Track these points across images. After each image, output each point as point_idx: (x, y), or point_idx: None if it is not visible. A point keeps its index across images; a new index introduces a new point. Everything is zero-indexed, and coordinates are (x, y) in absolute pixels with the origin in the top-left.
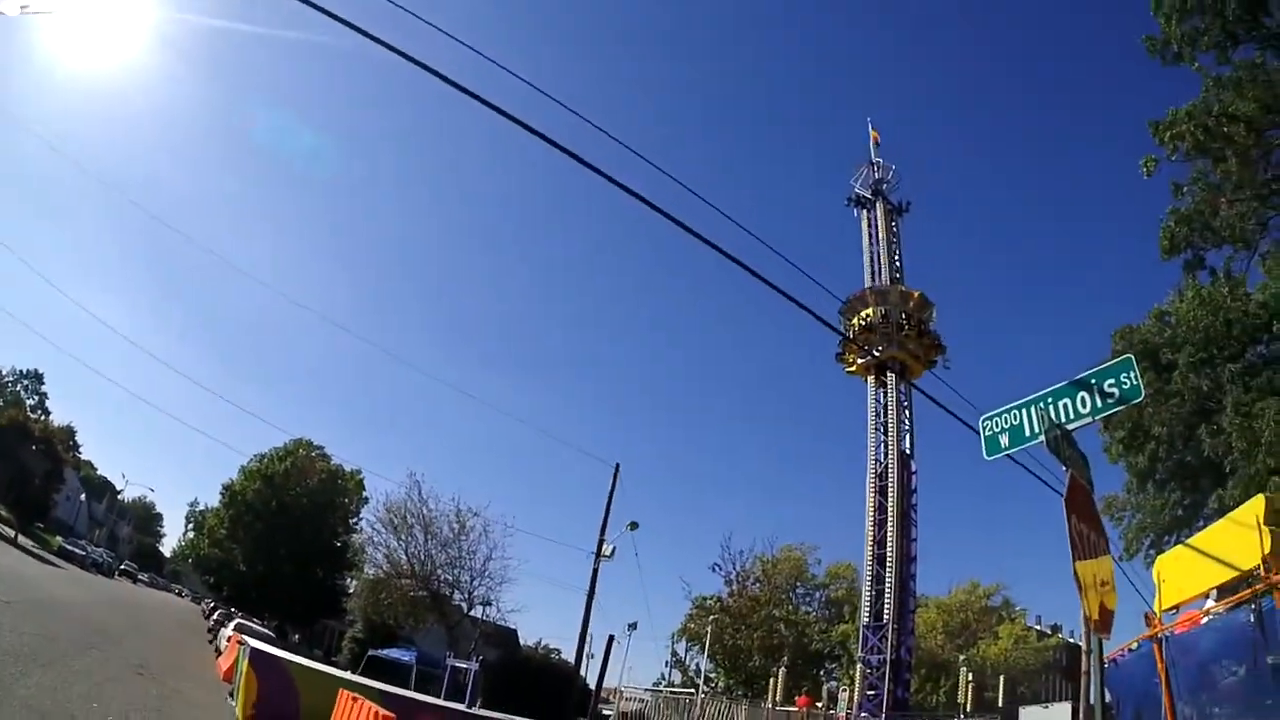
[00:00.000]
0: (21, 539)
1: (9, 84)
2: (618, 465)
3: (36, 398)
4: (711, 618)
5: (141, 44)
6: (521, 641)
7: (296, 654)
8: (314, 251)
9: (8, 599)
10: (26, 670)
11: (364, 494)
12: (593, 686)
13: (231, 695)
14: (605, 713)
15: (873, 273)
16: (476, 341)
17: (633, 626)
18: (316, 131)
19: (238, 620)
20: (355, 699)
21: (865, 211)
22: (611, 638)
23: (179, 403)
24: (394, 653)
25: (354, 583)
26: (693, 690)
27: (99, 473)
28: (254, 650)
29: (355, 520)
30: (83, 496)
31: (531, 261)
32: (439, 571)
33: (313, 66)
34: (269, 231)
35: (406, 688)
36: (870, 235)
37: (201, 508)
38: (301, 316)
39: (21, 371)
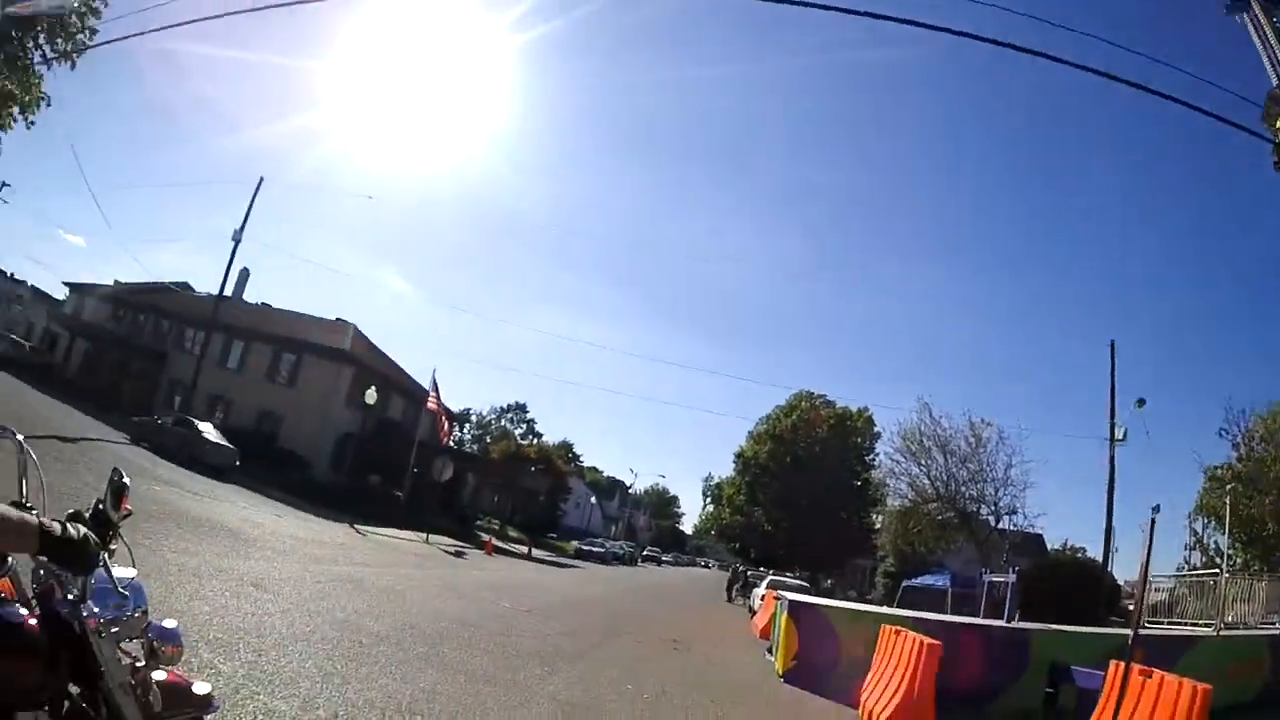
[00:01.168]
0: (535, 552)
1: None
2: (1112, 344)
3: (524, 425)
4: (1228, 486)
5: None
6: (1048, 546)
7: (830, 599)
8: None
9: (528, 608)
10: (553, 668)
11: (875, 429)
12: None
13: (770, 651)
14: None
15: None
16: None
17: (1156, 509)
18: None
19: (769, 577)
20: (898, 631)
21: (1244, 14)
22: (1153, 521)
23: (667, 388)
24: (927, 579)
25: (879, 518)
26: (1215, 571)
27: (605, 474)
28: (790, 603)
29: (871, 456)
30: (592, 499)
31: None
32: (962, 489)
33: None
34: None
35: (944, 612)
36: (1259, 35)
37: (715, 481)
38: (757, 275)
39: (504, 407)
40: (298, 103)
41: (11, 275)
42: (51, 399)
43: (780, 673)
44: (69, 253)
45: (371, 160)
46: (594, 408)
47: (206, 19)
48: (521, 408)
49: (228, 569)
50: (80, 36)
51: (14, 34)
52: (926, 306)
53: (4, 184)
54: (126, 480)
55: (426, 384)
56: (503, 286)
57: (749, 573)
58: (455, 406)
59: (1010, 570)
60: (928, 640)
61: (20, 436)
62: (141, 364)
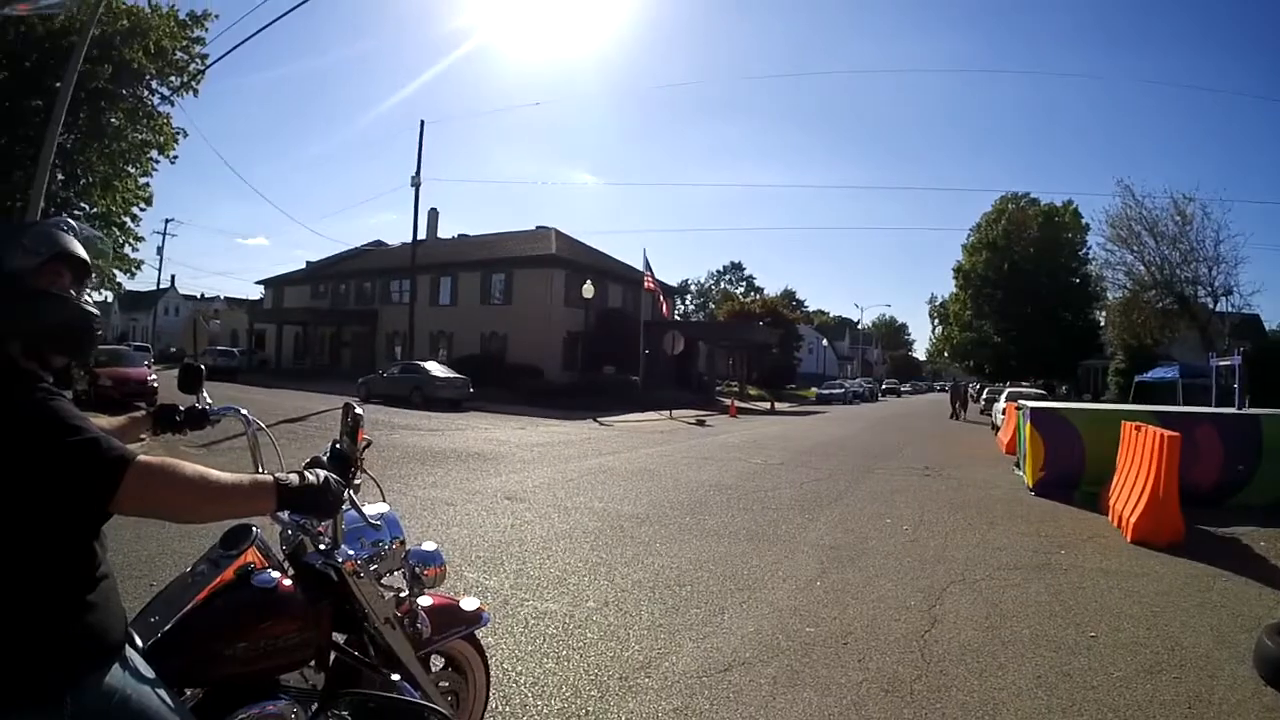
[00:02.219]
0: (778, 405)
1: None
2: None
3: (743, 284)
4: None
5: None
6: (1265, 326)
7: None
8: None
9: (779, 461)
10: (813, 515)
11: (1082, 222)
12: None
13: (1018, 465)
14: None
15: None
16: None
17: None
18: None
19: (1007, 390)
20: (1137, 428)
21: None
22: None
23: (874, 216)
24: (1157, 373)
25: (1102, 314)
26: None
27: (832, 314)
28: (1032, 411)
29: (1084, 250)
30: (824, 342)
31: None
32: (1177, 272)
33: None
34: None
35: (1175, 404)
36: None
37: (939, 301)
38: (936, 86)
39: (720, 270)
40: (446, 38)
41: (201, 295)
42: (274, 388)
43: (1030, 485)
44: (256, 254)
45: (530, 70)
46: (808, 251)
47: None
48: (738, 267)
49: (480, 489)
50: (193, 66)
51: (124, 92)
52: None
53: (169, 220)
54: (360, 410)
55: (639, 267)
56: (688, 153)
57: (969, 386)
58: (672, 280)
59: (1235, 354)
60: (1167, 433)
61: (244, 412)
62: (354, 329)
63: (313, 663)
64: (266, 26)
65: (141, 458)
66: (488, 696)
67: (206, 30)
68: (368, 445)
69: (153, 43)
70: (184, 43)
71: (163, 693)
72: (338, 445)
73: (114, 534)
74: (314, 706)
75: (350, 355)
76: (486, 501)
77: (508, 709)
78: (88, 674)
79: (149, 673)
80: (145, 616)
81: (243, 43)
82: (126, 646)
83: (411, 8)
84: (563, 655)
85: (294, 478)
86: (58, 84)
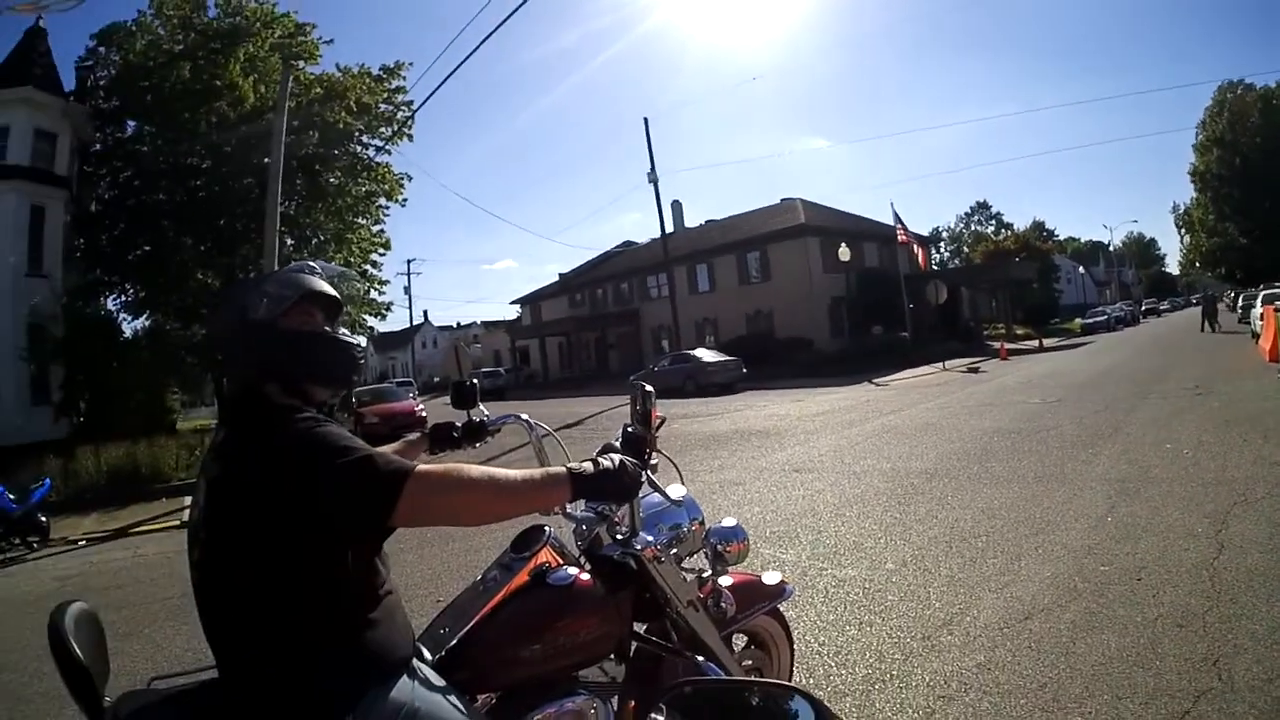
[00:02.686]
0: (1045, 342)
1: None
2: None
3: (992, 222)
4: None
5: None
6: None
7: None
8: None
9: (1055, 398)
10: (1095, 449)
11: None
12: None
13: None
14: None
15: None
16: None
17: None
18: None
19: (1261, 293)
20: None
21: None
22: None
23: (1101, 129)
24: None
25: None
26: None
27: (1083, 239)
28: None
29: None
30: (1080, 270)
31: None
32: None
33: None
34: None
35: None
36: None
37: (1182, 208)
38: None
39: (967, 211)
40: (649, 34)
41: (456, 324)
42: (545, 400)
43: None
44: (503, 277)
45: (744, 47)
46: (1049, 178)
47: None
48: (984, 206)
49: (766, 466)
50: (400, 114)
51: (335, 151)
52: None
53: (410, 260)
54: (649, 388)
55: (889, 222)
56: (918, 100)
57: (1218, 296)
58: (923, 229)
59: None
60: None
61: (525, 417)
62: (617, 330)
63: (613, 655)
64: (464, 61)
65: (421, 467)
66: (791, 670)
67: (404, 79)
68: (662, 423)
69: (353, 101)
70: (384, 95)
71: (454, 700)
72: (629, 428)
73: (397, 554)
74: (614, 699)
75: (617, 356)
76: (775, 476)
77: (812, 680)
78: (370, 692)
79: (439, 683)
80: (435, 628)
81: (441, 84)
82: (415, 660)
83: (603, 13)
84: (864, 620)
85: (588, 465)
86: (266, 159)
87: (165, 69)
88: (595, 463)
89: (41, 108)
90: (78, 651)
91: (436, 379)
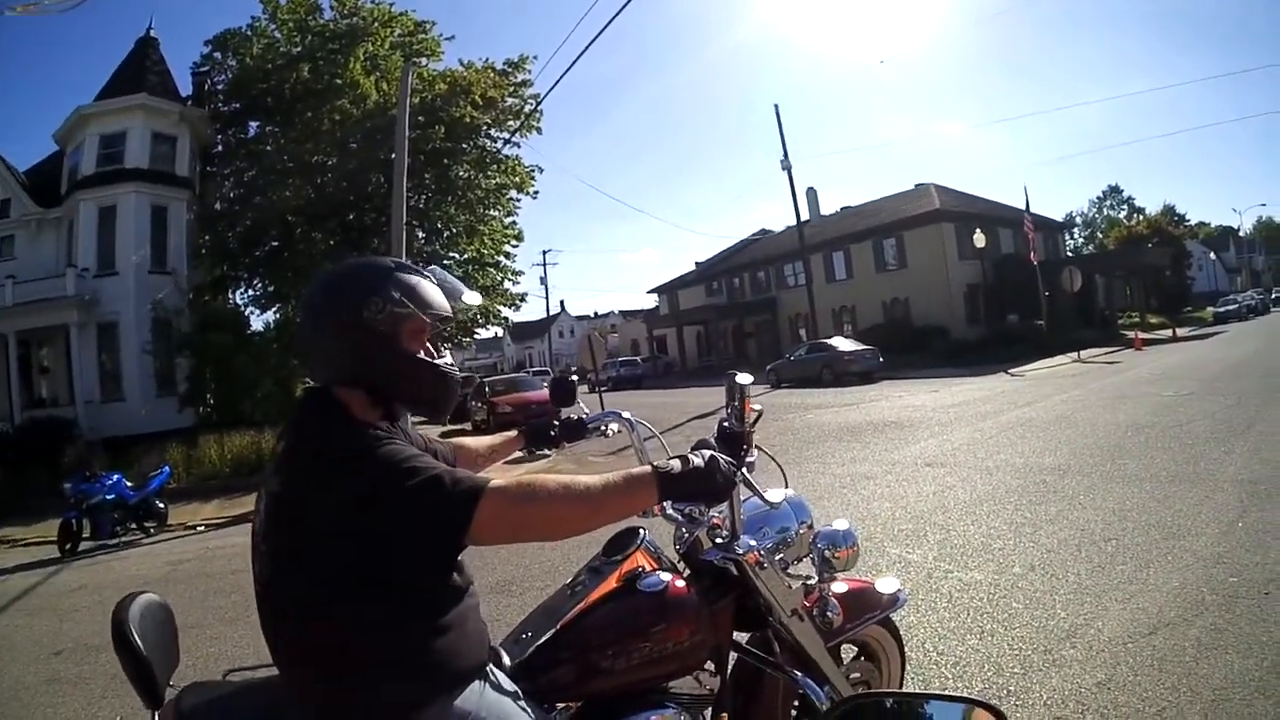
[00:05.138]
0: (1179, 331)
1: None
2: None
3: (1124, 206)
4: None
5: None
6: None
7: None
8: None
9: (1189, 390)
10: (1229, 447)
11: None
12: None
13: None
14: None
15: None
16: None
17: None
18: None
19: None
20: None
21: None
22: None
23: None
24: None
25: None
26: None
27: (1213, 224)
28: None
29: None
30: (1211, 256)
31: None
32: None
33: None
34: None
35: None
36: None
37: None
38: None
39: (1099, 196)
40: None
41: (594, 314)
42: (681, 389)
43: None
44: (640, 266)
45: (872, 31)
46: (1177, 160)
47: None
48: (1116, 190)
49: (899, 459)
50: (527, 107)
51: (463, 146)
52: None
53: (546, 250)
54: (744, 379)
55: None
56: (1050, 82)
57: None
58: (1056, 214)
59: None
60: None
61: (627, 415)
62: (754, 318)
63: (710, 666)
64: (586, 48)
65: (495, 482)
66: (901, 683)
67: (529, 71)
68: (759, 417)
69: (477, 96)
70: (509, 89)
71: (525, 708)
72: (724, 424)
73: (489, 553)
74: (708, 712)
75: (754, 345)
76: (906, 471)
77: None
78: (432, 701)
79: (510, 690)
80: (518, 633)
81: (562, 76)
82: (490, 666)
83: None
84: (986, 630)
85: (675, 463)
86: (393, 155)
87: (284, 70)
88: (684, 460)
89: (158, 113)
90: (138, 642)
91: (574, 368)
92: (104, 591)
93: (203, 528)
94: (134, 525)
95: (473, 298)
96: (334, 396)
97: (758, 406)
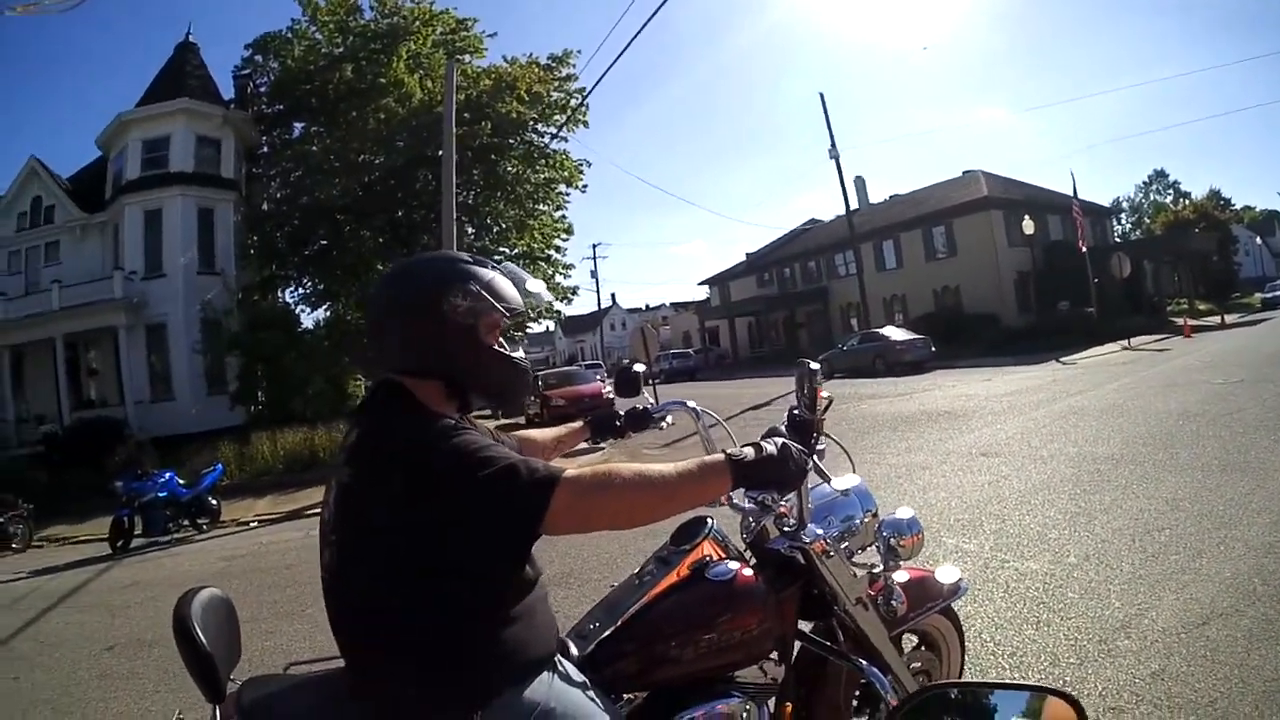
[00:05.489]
0: (1227, 319)
1: None
2: None
3: (1170, 191)
4: None
5: None
6: None
7: None
8: None
9: (1238, 378)
10: (1278, 436)
11: None
12: None
13: None
14: None
15: None
16: None
17: None
18: None
19: None
20: None
21: None
22: None
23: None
24: None
25: None
26: None
27: (1259, 208)
28: None
29: None
30: (1257, 240)
31: None
32: None
33: None
34: None
35: None
36: None
37: None
38: None
39: (1145, 180)
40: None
41: (646, 306)
42: (734, 380)
43: None
44: (690, 258)
45: (915, 16)
46: (1222, 143)
47: None
48: (1162, 174)
49: (953, 449)
50: (573, 102)
51: (510, 141)
52: None
53: (595, 244)
54: (815, 365)
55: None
56: (1096, 64)
57: None
58: (1104, 199)
59: None
60: None
61: (692, 404)
62: (806, 308)
63: (774, 655)
64: (630, 43)
65: (569, 472)
66: (961, 673)
67: (573, 65)
68: (829, 405)
69: (523, 91)
70: (555, 83)
71: (594, 698)
72: (795, 412)
73: (548, 545)
74: (770, 701)
75: (806, 335)
76: (961, 460)
77: None
78: (501, 691)
79: (578, 680)
80: (586, 623)
81: (609, 69)
82: (558, 656)
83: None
84: (1043, 620)
85: (749, 451)
86: (439, 152)
87: (326, 71)
88: (757, 447)
89: (200, 117)
90: (200, 636)
91: (626, 361)
92: (156, 588)
93: (255, 524)
94: (186, 522)
95: (537, 285)
96: (405, 387)
97: (827, 394)
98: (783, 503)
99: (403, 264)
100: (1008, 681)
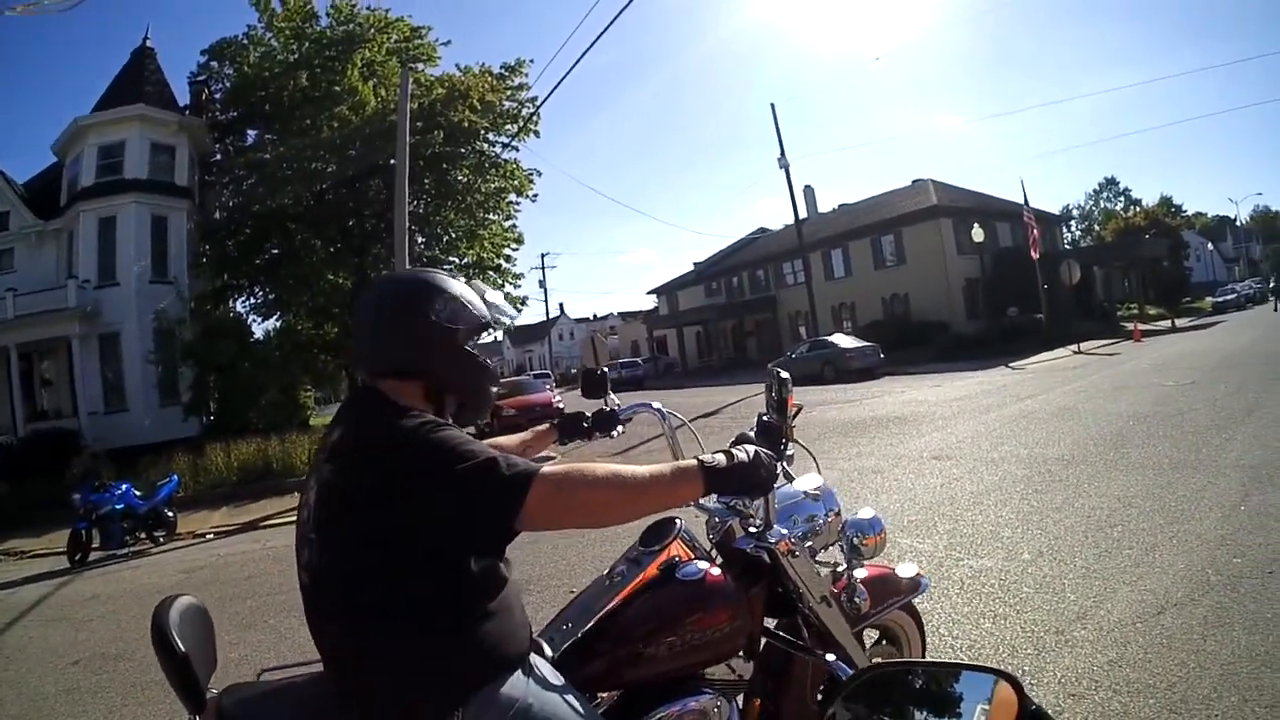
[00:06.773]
0: (1178, 322)
1: None
2: None
3: (1120, 198)
4: None
5: None
6: None
7: None
8: None
9: (1189, 380)
10: (1229, 434)
11: None
12: None
13: None
14: None
15: None
16: None
17: None
18: None
19: None
20: None
21: None
22: None
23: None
24: None
25: None
26: None
27: (1210, 214)
28: None
29: None
30: (1208, 246)
31: None
32: None
33: None
34: None
35: None
36: None
37: None
38: None
39: (1095, 189)
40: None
41: (593, 316)
42: (683, 389)
43: None
44: (639, 267)
45: (867, 27)
46: (1172, 151)
47: None
48: (1112, 182)
49: (905, 453)
50: (525, 111)
51: (462, 150)
52: None
53: (544, 254)
54: (785, 374)
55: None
56: (1044, 74)
57: None
58: (1053, 207)
59: None
60: None
61: (657, 405)
62: (754, 317)
63: (742, 653)
64: (582, 56)
65: (545, 469)
66: None
67: (526, 75)
68: (798, 412)
69: (476, 100)
70: (507, 92)
71: (570, 698)
72: (764, 417)
73: (532, 546)
74: (739, 698)
75: (755, 344)
76: (913, 464)
77: None
78: (480, 688)
79: (556, 680)
80: (559, 623)
81: (562, 79)
82: (533, 656)
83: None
84: (999, 614)
85: (720, 457)
86: (392, 160)
87: (282, 78)
88: (729, 454)
89: (155, 123)
90: (179, 644)
91: (574, 370)
92: (118, 601)
93: (212, 535)
94: (143, 534)
95: (495, 296)
96: (383, 389)
97: (798, 402)
98: (750, 505)
99: (393, 276)
100: (951, 661)
